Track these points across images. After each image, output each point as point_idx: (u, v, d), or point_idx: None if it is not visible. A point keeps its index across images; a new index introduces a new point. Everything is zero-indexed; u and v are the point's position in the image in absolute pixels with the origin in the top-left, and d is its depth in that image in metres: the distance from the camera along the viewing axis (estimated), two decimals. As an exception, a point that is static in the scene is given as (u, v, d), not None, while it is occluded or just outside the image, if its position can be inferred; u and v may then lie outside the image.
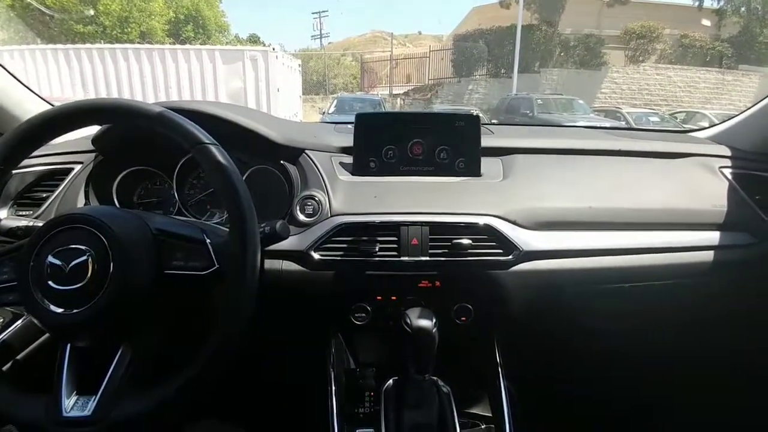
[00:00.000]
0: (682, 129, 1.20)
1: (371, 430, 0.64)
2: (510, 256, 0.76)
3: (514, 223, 0.78)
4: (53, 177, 0.87)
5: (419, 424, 0.63)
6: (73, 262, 0.52)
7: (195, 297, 0.59)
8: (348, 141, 0.90)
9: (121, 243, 0.53)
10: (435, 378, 0.71)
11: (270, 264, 0.77)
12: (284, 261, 0.77)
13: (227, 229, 0.58)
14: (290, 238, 0.77)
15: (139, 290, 0.53)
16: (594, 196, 0.85)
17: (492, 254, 0.77)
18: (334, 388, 0.69)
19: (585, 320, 0.86)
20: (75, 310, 0.52)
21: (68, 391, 0.53)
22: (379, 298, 0.80)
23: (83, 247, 0.53)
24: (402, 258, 0.76)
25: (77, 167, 0.88)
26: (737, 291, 0.89)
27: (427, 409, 0.65)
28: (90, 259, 0.52)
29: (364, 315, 0.79)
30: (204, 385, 0.51)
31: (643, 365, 1.01)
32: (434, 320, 0.66)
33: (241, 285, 0.53)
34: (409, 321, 0.65)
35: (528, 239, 0.78)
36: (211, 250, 0.56)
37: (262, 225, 0.66)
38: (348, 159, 0.90)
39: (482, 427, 0.66)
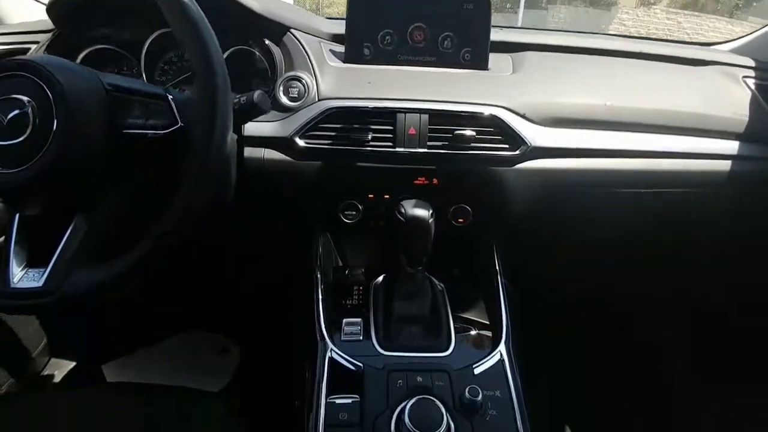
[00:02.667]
0: (703, 42, 1.09)
1: (359, 319, 0.61)
2: (516, 152, 0.69)
3: (522, 116, 0.71)
4: None
5: (410, 315, 0.60)
6: (11, 114, 0.44)
7: (158, 163, 0.51)
8: (340, 29, 0.79)
9: (67, 96, 0.45)
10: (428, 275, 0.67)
11: (250, 153, 0.69)
12: (266, 149, 0.69)
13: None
14: (273, 123, 0.69)
15: (88, 150, 0.46)
16: (611, 94, 0.77)
17: (497, 149, 0.69)
18: (320, 283, 0.64)
19: (591, 226, 0.81)
20: (15, 169, 0.44)
21: (18, 263, 0.48)
22: (370, 196, 0.73)
23: (23, 98, 0.44)
24: (397, 149, 0.68)
25: (33, 47, 0.77)
26: (751, 207, 0.85)
27: (419, 301, 0.61)
28: (30, 111, 0.44)
29: (354, 213, 0.73)
30: (163, 257, 0.46)
31: (647, 273, 1.00)
32: (431, 211, 0.60)
33: (208, 145, 0.45)
34: (403, 210, 0.59)
35: (537, 135, 0.71)
36: (173, 106, 0.47)
37: (238, 96, 0.57)
38: (340, 48, 0.79)
39: (475, 332, 0.63)
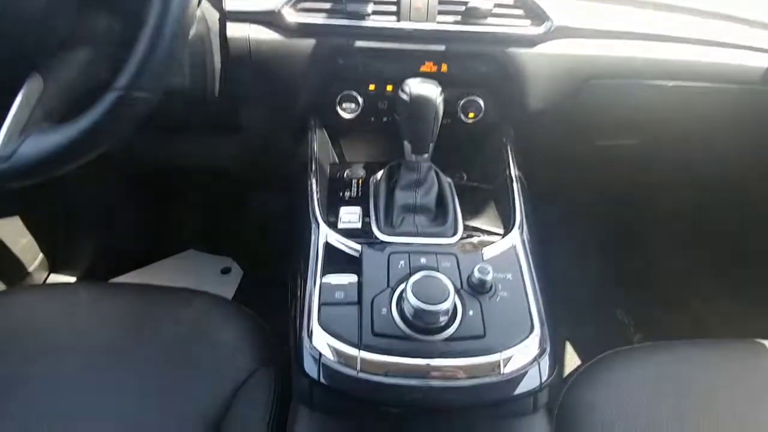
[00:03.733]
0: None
1: (357, 208, 0.56)
2: (539, 29, 0.60)
3: None
4: None
5: (414, 204, 0.54)
6: None
7: (118, 11, 0.44)
8: None
9: None
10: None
11: (234, 30, 0.60)
12: (252, 25, 0.60)
13: None
14: None
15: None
16: None
17: (516, 25, 0.60)
18: (314, 172, 0.58)
19: (615, 124, 0.74)
20: None
21: None
22: (371, 87, 0.66)
23: None
24: (402, 24, 0.59)
25: None
26: None
27: (424, 191, 0.56)
28: None
29: (353, 106, 0.66)
30: (124, 118, 0.40)
31: (663, 171, 0.95)
32: (439, 89, 0.52)
33: None
34: (407, 89, 0.52)
35: (563, 10, 0.61)
36: None
37: None
38: None
39: (485, 222, 0.57)
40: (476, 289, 0.44)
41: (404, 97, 0.52)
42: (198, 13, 0.59)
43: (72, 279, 1.09)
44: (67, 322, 0.61)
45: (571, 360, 1.03)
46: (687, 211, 1.13)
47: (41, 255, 1.03)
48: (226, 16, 0.60)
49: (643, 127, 0.80)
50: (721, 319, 1.05)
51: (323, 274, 0.46)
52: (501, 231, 0.56)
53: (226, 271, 1.17)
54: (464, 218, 0.57)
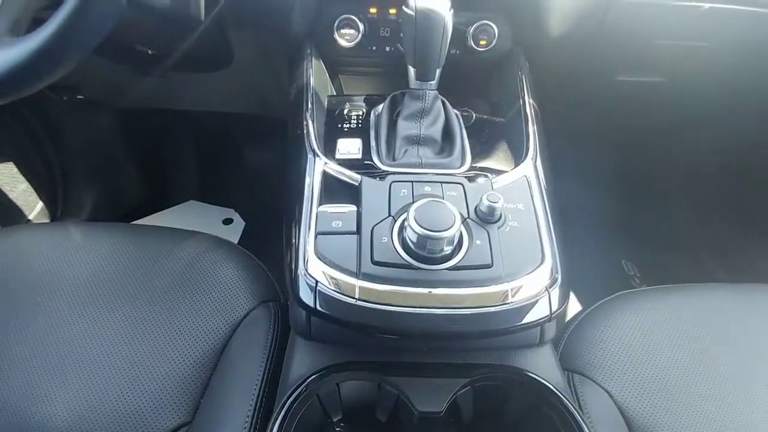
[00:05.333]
0: None
1: (357, 140, 0.52)
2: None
3: None
4: None
5: (418, 135, 0.50)
6: None
7: None
8: None
9: None
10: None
11: (220, -60, 0.54)
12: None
13: None
14: None
15: None
16: None
17: None
18: (310, 104, 0.54)
19: (640, 50, 0.67)
20: None
21: None
22: (372, 10, 0.59)
23: None
24: (408, -68, 0.53)
25: None
26: None
27: (430, 122, 0.51)
28: None
29: (353, 32, 0.60)
30: (91, 25, 0.36)
31: (684, 114, 0.89)
32: (449, 3, 0.47)
33: None
34: (412, 2, 0.46)
35: None
36: None
37: None
38: None
39: (495, 153, 0.53)
40: (484, 219, 0.41)
41: (409, 12, 0.47)
42: None
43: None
44: (65, 258, 0.60)
45: (575, 308, 1.02)
46: (704, 158, 1.07)
47: (40, 203, 1.02)
48: None
49: (669, 59, 0.73)
50: (731, 270, 1.02)
51: (320, 203, 0.43)
52: (512, 159, 0.52)
53: (228, 221, 1.15)
54: (473, 152, 0.53)
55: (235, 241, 1.11)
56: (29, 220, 0.99)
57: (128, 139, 1.14)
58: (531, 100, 0.56)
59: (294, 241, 0.42)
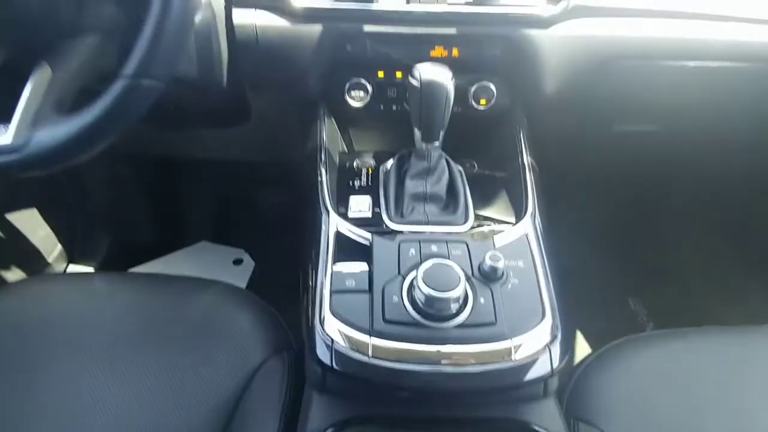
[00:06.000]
0: None
1: (367, 197, 0.55)
2: (555, 9, 0.58)
3: None
4: None
5: (424, 193, 0.54)
6: None
7: (126, 4, 0.44)
8: None
9: None
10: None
11: (240, 17, 0.60)
12: (258, 10, 0.59)
13: None
14: None
15: None
16: None
17: (530, 5, 0.58)
18: (324, 161, 0.58)
19: (633, 103, 0.72)
20: None
21: None
22: (380, 73, 0.64)
23: None
24: (411, 7, 0.58)
25: None
26: None
27: (434, 179, 0.55)
28: None
29: (362, 94, 0.65)
30: (134, 106, 0.40)
31: (682, 159, 0.92)
32: (450, 74, 0.51)
33: None
34: (417, 74, 0.51)
35: (579, -13, 0.59)
36: None
37: None
38: None
39: (496, 210, 0.57)
40: (487, 277, 0.43)
41: (414, 82, 0.51)
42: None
43: (89, 269, 1.12)
44: (85, 310, 0.63)
45: (583, 349, 1.02)
46: (705, 200, 1.09)
47: (59, 246, 1.06)
48: (231, 2, 0.60)
49: (662, 111, 0.77)
50: (738, 310, 1.02)
51: (334, 262, 0.46)
52: (513, 219, 0.55)
53: (238, 262, 1.18)
54: (475, 206, 0.56)
55: (245, 281, 1.15)
56: (49, 264, 1.03)
57: (144, 184, 1.19)
58: (529, 158, 0.59)
59: (311, 298, 0.45)
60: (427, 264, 0.41)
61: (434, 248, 0.46)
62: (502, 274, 0.44)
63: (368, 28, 0.59)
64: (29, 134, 0.41)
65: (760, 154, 0.91)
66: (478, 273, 0.44)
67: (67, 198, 1.07)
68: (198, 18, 0.57)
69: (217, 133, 0.84)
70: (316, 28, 0.59)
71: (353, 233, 0.49)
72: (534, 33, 0.60)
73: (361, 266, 0.45)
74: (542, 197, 0.57)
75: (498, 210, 0.59)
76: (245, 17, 0.60)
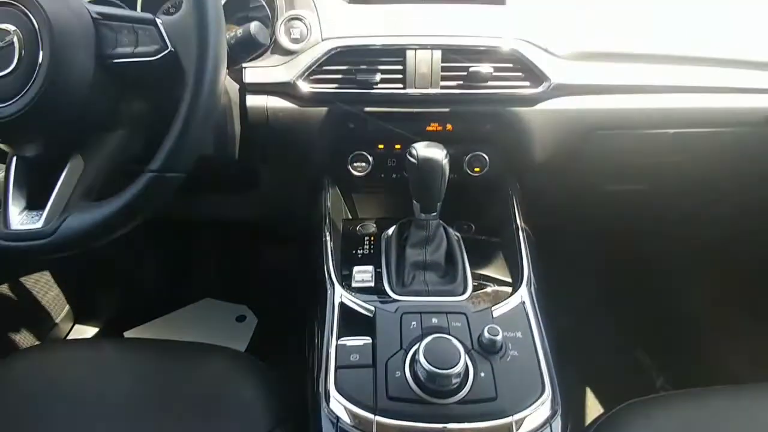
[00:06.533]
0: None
1: (370, 267, 0.58)
2: (538, 89, 0.64)
3: (544, 50, 0.64)
4: None
5: (424, 262, 0.56)
6: None
7: (152, 95, 0.49)
8: None
9: (53, 25, 0.42)
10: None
11: (253, 101, 0.65)
12: (269, 96, 0.65)
13: None
14: (275, 68, 0.65)
15: (76, 82, 0.43)
16: (643, 23, 0.70)
17: (516, 86, 0.64)
18: (329, 231, 0.61)
19: (619, 173, 0.76)
20: (2, 104, 0.42)
21: (16, 205, 0.46)
22: (380, 146, 0.69)
23: (10, 28, 0.43)
24: (408, 90, 0.64)
25: None
26: None
27: (433, 249, 0.57)
28: (16, 42, 0.42)
29: (364, 165, 0.69)
30: (156, 196, 0.43)
31: (669, 219, 0.94)
32: (444, 152, 0.55)
33: (200, 73, 0.42)
34: (414, 152, 0.55)
35: (560, 69, 0.64)
36: (162, 30, 0.44)
37: (234, 29, 0.54)
38: None
39: (493, 278, 0.59)
40: (487, 349, 0.45)
41: (412, 160, 0.55)
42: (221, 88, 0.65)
43: (95, 329, 1.13)
44: (89, 380, 0.63)
45: (593, 406, 1.00)
46: (701, 251, 1.11)
47: (67, 306, 1.08)
48: (246, 89, 0.66)
49: (649, 172, 0.81)
50: (745, 358, 1.01)
51: (338, 336, 0.48)
52: (509, 280, 0.57)
53: (241, 319, 1.19)
54: (474, 269, 0.59)
55: (248, 339, 1.15)
56: (56, 324, 1.04)
57: (151, 243, 1.22)
58: (523, 224, 0.63)
59: (316, 371, 0.46)
60: (428, 339, 0.42)
61: (435, 320, 0.48)
62: (501, 346, 0.45)
63: (369, 109, 0.65)
64: (58, 222, 0.44)
65: (747, 204, 0.95)
66: (477, 345, 0.45)
67: (78, 259, 1.10)
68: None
69: (225, 200, 0.89)
70: (321, 110, 0.65)
71: (357, 304, 0.51)
72: (521, 110, 0.65)
73: (364, 340, 0.47)
74: (537, 261, 0.59)
75: (496, 274, 0.61)
76: (257, 101, 0.65)
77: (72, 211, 0.45)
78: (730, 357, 1.03)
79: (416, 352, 0.42)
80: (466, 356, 0.42)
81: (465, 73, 0.63)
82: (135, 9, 0.75)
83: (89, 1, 0.72)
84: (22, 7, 0.43)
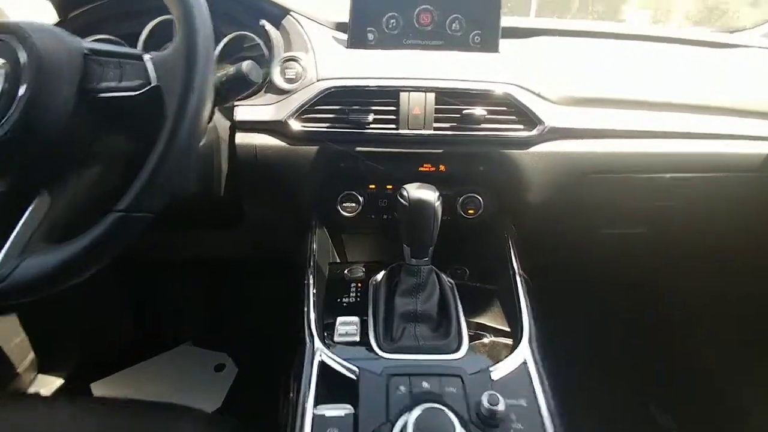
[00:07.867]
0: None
1: (355, 318, 0.53)
2: (531, 132, 0.63)
3: (537, 95, 0.64)
4: None
5: (414, 312, 0.51)
6: None
7: (132, 132, 0.46)
8: (344, 17, 0.75)
9: (41, 60, 0.41)
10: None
11: (242, 138, 0.64)
12: (259, 134, 0.64)
13: None
14: (268, 107, 0.64)
15: (54, 118, 0.41)
16: (636, 71, 0.71)
17: (510, 129, 0.63)
18: (312, 277, 0.57)
19: (613, 216, 0.73)
20: None
21: None
22: (372, 187, 0.67)
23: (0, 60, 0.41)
24: (401, 131, 0.62)
25: None
26: None
27: (425, 297, 0.53)
28: (3, 74, 0.41)
29: (354, 205, 0.66)
30: (121, 238, 0.40)
31: (671, 263, 0.90)
32: (437, 194, 0.53)
33: (180, 111, 0.39)
34: (406, 194, 0.52)
35: (554, 114, 0.64)
36: (148, 65, 0.42)
37: (226, 69, 0.53)
38: (342, 36, 0.75)
39: (491, 332, 0.54)
40: (486, 422, 0.39)
41: (403, 202, 0.53)
42: (210, 124, 0.63)
43: (60, 380, 1.03)
44: None
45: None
46: (715, 296, 1.07)
47: (31, 354, 0.99)
48: (236, 126, 0.64)
49: (646, 216, 0.79)
50: (762, 407, 0.94)
51: (316, 402, 0.42)
52: (508, 329, 0.53)
53: (220, 368, 1.10)
54: (468, 320, 0.54)
55: (226, 389, 1.06)
56: (18, 374, 0.95)
57: (125, 285, 1.16)
58: (521, 270, 0.59)
59: None
60: (418, 411, 0.37)
61: (426, 385, 0.42)
62: (503, 417, 0.40)
63: (361, 148, 0.63)
64: (14, 265, 0.40)
65: (748, 247, 0.92)
66: (475, 417, 0.40)
67: (45, 302, 1.03)
68: (202, 142, 0.60)
69: (207, 237, 0.85)
70: (312, 149, 0.63)
71: (339, 364, 0.46)
72: (515, 152, 0.64)
73: (345, 409, 0.41)
74: (537, 311, 0.55)
75: (493, 322, 0.57)
76: (247, 138, 0.64)
77: (30, 253, 0.41)
78: (754, 408, 0.95)
79: (404, 427, 0.36)
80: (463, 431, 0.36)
81: (458, 116, 0.62)
82: (136, 47, 0.75)
83: (92, 40, 0.75)
84: (16, 41, 0.42)
